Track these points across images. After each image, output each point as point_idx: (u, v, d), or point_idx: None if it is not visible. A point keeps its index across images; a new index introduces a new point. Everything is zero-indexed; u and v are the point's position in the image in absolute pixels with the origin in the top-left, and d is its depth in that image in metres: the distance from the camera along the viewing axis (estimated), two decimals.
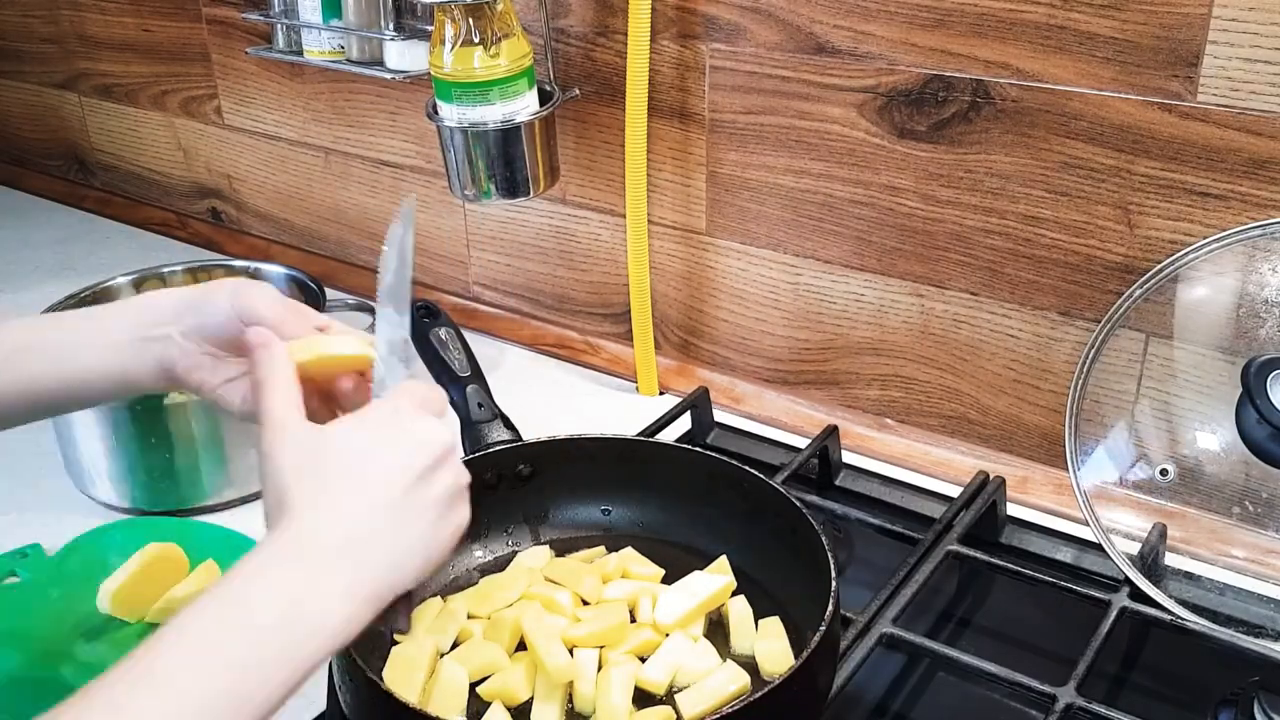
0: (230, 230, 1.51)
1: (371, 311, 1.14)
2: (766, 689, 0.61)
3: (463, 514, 0.61)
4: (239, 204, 1.49)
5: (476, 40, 0.99)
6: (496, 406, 0.88)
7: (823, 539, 0.70)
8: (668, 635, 0.73)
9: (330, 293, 1.14)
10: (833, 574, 0.68)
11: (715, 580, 0.74)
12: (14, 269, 1.47)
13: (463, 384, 0.88)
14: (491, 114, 1.01)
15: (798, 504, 0.74)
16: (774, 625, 0.74)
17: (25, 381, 0.69)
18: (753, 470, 0.77)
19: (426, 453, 0.59)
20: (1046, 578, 0.80)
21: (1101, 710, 0.69)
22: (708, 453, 0.81)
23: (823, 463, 0.98)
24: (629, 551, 0.80)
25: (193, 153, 1.50)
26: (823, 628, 0.65)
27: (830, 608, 0.66)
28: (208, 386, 0.68)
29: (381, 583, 0.56)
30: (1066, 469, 0.84)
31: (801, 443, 0.99)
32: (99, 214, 1.64)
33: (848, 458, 1.01)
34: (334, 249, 1.41)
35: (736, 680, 0.68)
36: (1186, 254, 0.82)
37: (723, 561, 0.78)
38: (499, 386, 1.15)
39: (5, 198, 1.72)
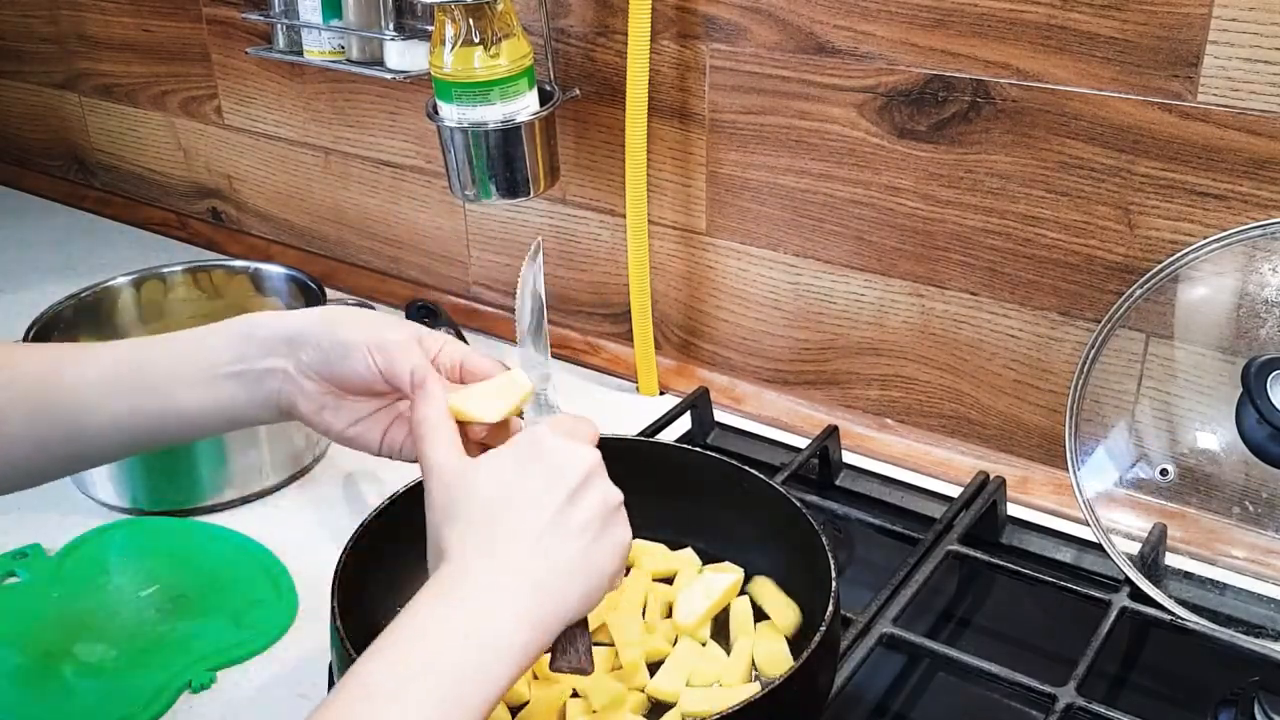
0: (230, 230, 1.51)
1: (372, 309, 1.14)
2: (766, 690, 0.61)
3: (621, 533, 0.60)
4: (239, 204, 1.49)
5: (477, 40, 0.99)
6: None
7: (822, 539, 0.70)
8: (675, 641, 0.73)
9: (330, 293, 1.14)
10: (833, 574, 0.68)
11: (726, 577, 0.74)
12: (14, 268, 1.47)
13: None
14: (491, 114, 1.01)
15: (797, 503, 0.73)
16: (773, 626, 0.74)
17: (123, 415, 0.65)
18: (752, 470, 0.77)
19: (570, 475, 0.58)
20: (1047, 578, 0.80)
21: (1101, 710, 0.69)
22: (707, 452, 0.81)
23: (823, 463, 0.98)
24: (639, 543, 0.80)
25: (193, 153, 1.51)
26: (823, 628, 0.64)
27: (830, 608, 0.66)
28: (336, 429, 0.66)
29: (549, 607, 0.55)
30: (1067, 469, 0.84)
31: (802, 443, 0.99)
32: (99, 214, 1.64)
33: (848, 458, 1.01)
34: (334, 249, 1.41)
35: (745, 694, 0.68)
36: (1187, 254, 0.82)
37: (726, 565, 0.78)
38: None
39: (5, 198, 1.72)
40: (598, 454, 0.61)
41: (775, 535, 0.76)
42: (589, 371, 1.20)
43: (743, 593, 0.77)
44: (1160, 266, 0.83)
